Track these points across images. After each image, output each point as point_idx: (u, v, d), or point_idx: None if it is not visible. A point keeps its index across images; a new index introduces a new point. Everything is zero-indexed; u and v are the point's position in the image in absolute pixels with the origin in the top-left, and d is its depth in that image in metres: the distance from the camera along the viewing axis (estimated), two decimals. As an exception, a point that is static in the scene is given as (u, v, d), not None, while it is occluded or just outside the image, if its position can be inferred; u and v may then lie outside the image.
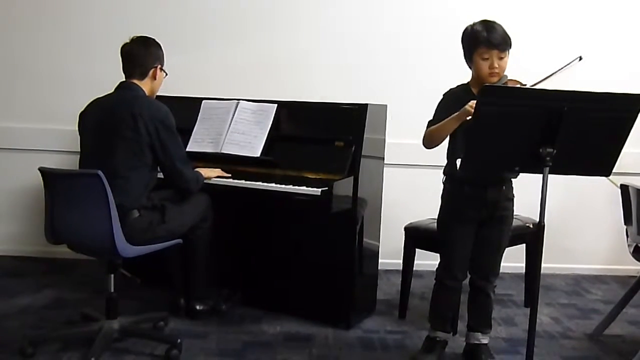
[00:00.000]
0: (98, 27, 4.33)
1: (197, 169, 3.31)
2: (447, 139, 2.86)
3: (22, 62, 4.48)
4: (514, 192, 2.92)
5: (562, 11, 4.50)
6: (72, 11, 4.45)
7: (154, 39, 3.22)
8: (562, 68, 2.49)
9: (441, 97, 2.88)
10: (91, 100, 3.16)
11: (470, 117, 2.59)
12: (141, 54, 3.14)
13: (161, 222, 3.05)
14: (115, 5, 4.38)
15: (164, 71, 3.26)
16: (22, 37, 4.47)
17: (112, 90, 3.14)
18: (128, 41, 3.18)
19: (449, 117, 2.70)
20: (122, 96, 3.09)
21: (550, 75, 2.54)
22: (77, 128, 3.14)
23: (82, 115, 3.14)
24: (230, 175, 3.46)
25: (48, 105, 4.40)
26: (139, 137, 2.96)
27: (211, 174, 3.42)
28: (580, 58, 2.47)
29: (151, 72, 3.16)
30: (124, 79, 3.16)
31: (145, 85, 3.16)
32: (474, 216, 2.86)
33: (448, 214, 2.95)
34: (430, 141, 2.83)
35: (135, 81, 3.13)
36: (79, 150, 3.12)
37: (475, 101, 2.56)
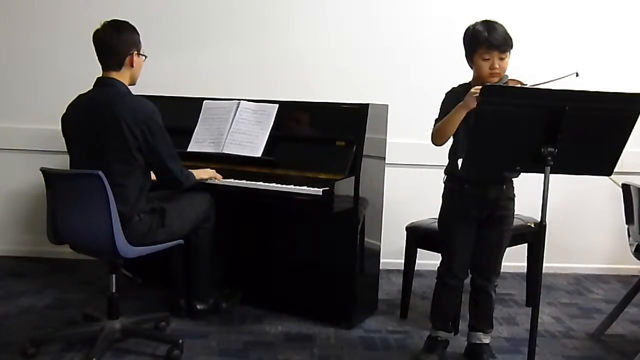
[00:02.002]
0: (96, 26, 4.33)
1: (189, 170, 3.21)
2: (450, 138, 2.87)
3: (24, 62, 4.49)
4: (515, 191, 2.92)
5: (566, 10, 4.49)
6: (72, 11, 4.46)
7: (127, 22, 3.01)
8: (555, 79, 2.48)
9: (443, 96, 2.88)
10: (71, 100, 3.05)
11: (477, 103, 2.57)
12: (114, 42, 2.93)
13: (161, 226, 3.02)
14: (118, 5, 4.38)
15: (143, 55, 3.05)
16: (23, 38, 4.48)
17: (91, 87, 3.01)
18: (99, 27, 2.96)
19: (456, 107, 2.67)
20: (101, 96, 2.93)
21: (542, 83, 2.53)
22: (62, 132, 3.05)
23: (64, 119, 3.03)
24: (222, 177, 3.44)
25: (50, 106, 4.34)
26: (127, 143, 2.85)
27: (204, 175, 3.37)
28: (577, 74, 2.47)
29: (127, 59, 2.96)
30: (102, 70, 3.00)
31: (123, 76, 2.97)
32: (475, 215, 2.86)
33: (449, 213, 2.95)
34: (439, 136, 2.79)
35: (113, 74, 2.95)
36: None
37: (480, 86, 2.55)
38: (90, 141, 2.92)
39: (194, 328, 3.33)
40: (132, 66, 3.00)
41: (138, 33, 3.04)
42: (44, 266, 4.36)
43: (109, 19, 3.01)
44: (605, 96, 2.29)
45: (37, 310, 3.55)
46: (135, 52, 3.01)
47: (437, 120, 2.83)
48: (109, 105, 2.88)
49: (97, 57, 3.00)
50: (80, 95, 3.04)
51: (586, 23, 4.50)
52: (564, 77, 2.47)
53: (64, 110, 3.05)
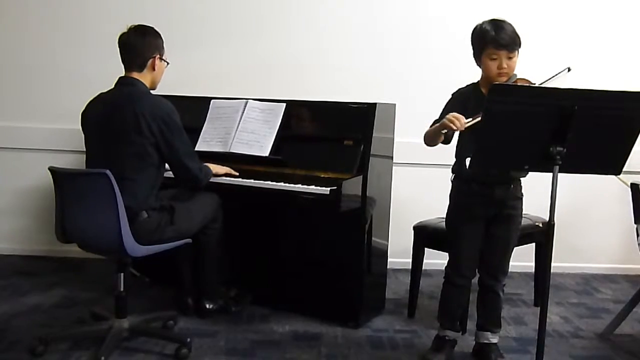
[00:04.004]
0: (106, 27, 4.35)
1: (206, 164, 3.28)
2: (456, 137, 2.86)
3: (32, 62, 4.50)
4: (523, 191, 2.92)
5: (573, 9, 4.48)
6: (83, 12, 4.48)
7: (151, 28, 3.11)
8: (550, 78, 2.49)
9: (450, 96, 2.88)
10: (91, 98, 3.11)
11: (449, 130, 2.63)
12: (138, 44, 3.03)
13: (169, 224, 3.04)
14: (127, 5, 4.39)
15: (165, 60, 3.15)
16: (32, 37, 4.49)
17: (113, 86, 3.07)
18: (125, 30, 3.07)
19: (436, 125, 2.74)
20: (122, 94, 3.01)
21: (545, 82, 2.53)
22: (81, 127, 3.10)
23: (84, 115, 3.09)
24: (238, 174, 3.46)
25: (58, 105, 4.41)
26: (143, 139, 2.91)
27: (220, 170, 3.41)
28: (569, 69, 2.48)
29: (150, 62, 3.05)
30: (124, 71, 3.08)
31: (144, 77, 3.06)
32: (482, 214, 2.86)
33: (456, 213, 2.95)
34: (427, 140, 2.86)
35: (135, 74, 3.04)
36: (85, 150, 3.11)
37: (454, 114, 2.59)
38: (106, 136, 2.96)
39: (202, 327, 3.34)
40: (153, 69, 3.08)
41: (162, 39, 3.13)
42: (52, 265, 4.38)
43: (134, 24, 3.09)
44: (615, 95, 2.27)
45: (46, 308, 3.56)
46: (158, 56, 3.09)
47: (434, 122, 2.83)
48: (128, 102, 2.94)
49: (120, 59, 3.07)
50: (101, 94, 3.10)
51: (586, 20, 4.50)
52: (557, 74, 2.48)
53: (84, 107, 3.10)
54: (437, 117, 2.83)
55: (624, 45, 4.51)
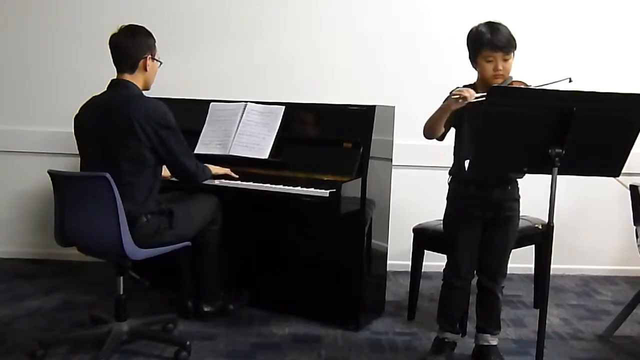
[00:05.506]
0: (104, 29, 4.36)
1: (205, 165, 3.25)
2: (453, 140, 2.87)
3: (32, 64, 4.51)
4: (523, 193, 2.92)
5: (572, 11, 4.49)
6: (81, 14, 4.48)
7: (142, 27, 3.04)
8: (549, 83, 2.49)
9: (448, 94, 2.88)
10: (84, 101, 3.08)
11: (459, 102, 2.60)
12: (128, 45, 2.97)
13: (168, 228, 3.03)
14: (128, 8, 4.39)
15: (157, 60, 3.09)
16: (32, 39, 4.50)
17: (105, 89, 3.03)
18: (116, 31, 3.01)
19: (441, 106, 2.72)
20: (115, 97, 2.97)
21: (541, 86, 2.54)
22: (74, 132, 3.06)
23: (77, 119, 3.04)
24: (237, 176, 3.46)
25: (58, 108, 4.39)
26: (139, 143, 2.87)
27: (219, 171, 3.40)
28: (570, 80, 2.48)
29: (141, 63, 2.99)
30: (116, 73, 3.04)
31: (137, 79, 3.01)
32: (480, 216, 2.86)
33: (454, 215, 2.95)
34: (427, 130, 2.82)
35: (127, 76, 2.99)
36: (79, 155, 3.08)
37: (461, 88, 2.58)
38: (101, 141, 2.94)
39: (202, 330, 3.34)
40: (145, 70, 3.03)
41: (154, 38, 3.08)
42: (51, 268, 4.38)
43: (125, 24, 3.05)
44: (614, 97, 2.28)
45: (45, 312, 3.56)
46: (150, 56, 3.04)
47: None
48: (122, 106, 2.91)
49: (112, 61, 3.03)
50: (93, 97, 3.06)
51: (585, 23, 4.50)
52: (557, 81, 2.48)
53: (77, 111, 3.07)
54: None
55: (623, 47, 4.52)
